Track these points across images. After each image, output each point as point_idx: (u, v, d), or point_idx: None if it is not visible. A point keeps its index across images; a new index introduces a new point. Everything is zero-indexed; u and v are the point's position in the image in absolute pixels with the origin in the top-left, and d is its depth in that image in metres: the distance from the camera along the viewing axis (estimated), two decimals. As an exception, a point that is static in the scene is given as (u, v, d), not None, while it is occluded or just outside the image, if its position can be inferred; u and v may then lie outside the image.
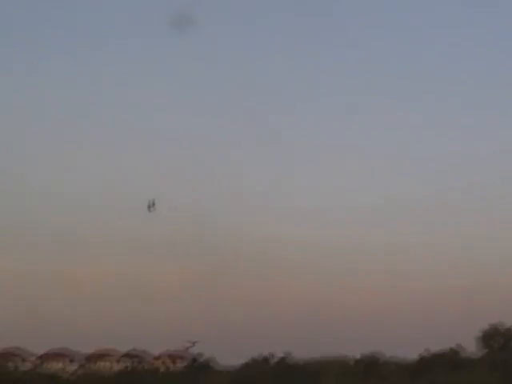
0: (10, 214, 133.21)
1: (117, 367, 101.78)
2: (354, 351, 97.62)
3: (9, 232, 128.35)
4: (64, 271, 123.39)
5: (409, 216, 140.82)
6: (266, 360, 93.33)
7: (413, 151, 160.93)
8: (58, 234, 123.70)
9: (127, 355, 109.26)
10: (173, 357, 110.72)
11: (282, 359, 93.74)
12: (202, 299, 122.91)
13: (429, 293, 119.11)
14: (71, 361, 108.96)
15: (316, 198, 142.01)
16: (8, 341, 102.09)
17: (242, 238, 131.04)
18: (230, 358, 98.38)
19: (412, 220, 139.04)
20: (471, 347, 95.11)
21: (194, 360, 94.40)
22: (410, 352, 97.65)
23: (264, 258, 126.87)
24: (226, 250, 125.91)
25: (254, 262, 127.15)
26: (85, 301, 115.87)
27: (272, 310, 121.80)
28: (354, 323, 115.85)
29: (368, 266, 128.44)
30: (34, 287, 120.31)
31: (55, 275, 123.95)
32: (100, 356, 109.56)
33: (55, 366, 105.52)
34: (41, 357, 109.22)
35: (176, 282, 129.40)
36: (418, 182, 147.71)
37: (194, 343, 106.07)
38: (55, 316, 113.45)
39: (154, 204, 36.81)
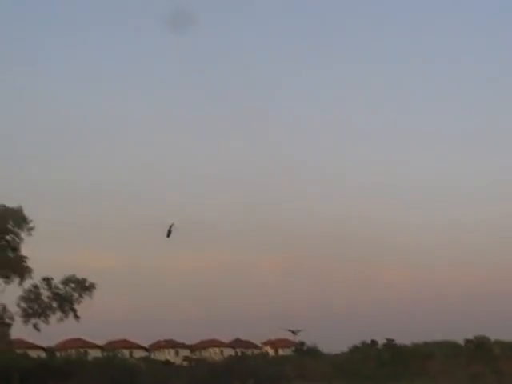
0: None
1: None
2: (457, 337, 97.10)
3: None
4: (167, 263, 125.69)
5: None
6: (373, 343, 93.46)
7: None
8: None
9: (231, 345, 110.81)
10: (275, 346, 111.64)
11: (389, 342, 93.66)
12: (301, 287, 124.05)
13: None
14: (177, 352, 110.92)
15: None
16: (116, 333, 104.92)
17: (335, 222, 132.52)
18: (331, 346, 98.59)
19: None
20: None
21: (302, 344, 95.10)
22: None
23: (361, 242, 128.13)
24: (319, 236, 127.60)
25: (353, 249, 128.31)
26: (186, 291, 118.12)
27: (372, 295, 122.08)
28: (455, 309, 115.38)
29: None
30: (136, 280, 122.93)
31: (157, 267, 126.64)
32: (205, 346, 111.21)
33: (162, 356, 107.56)
34: (147, 349, 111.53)
35: (274, 270, 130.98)
36: None
37: (296, 332, 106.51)
38: (158, 308, 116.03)
39: (170, 231, 37.64)
